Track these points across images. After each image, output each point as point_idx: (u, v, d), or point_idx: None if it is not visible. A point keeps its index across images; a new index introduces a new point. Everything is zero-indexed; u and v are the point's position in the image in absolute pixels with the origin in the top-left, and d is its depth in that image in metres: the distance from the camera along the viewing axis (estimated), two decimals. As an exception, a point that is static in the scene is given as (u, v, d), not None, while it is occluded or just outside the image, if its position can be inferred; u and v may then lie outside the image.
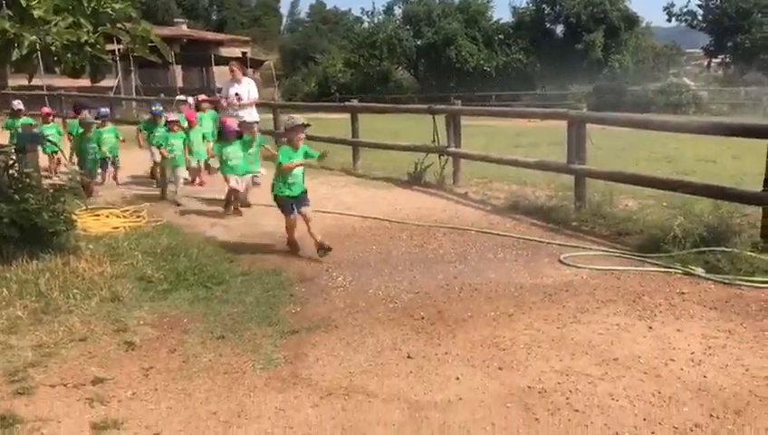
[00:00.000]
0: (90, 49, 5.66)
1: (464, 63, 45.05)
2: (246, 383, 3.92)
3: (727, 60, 48.57)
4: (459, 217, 8.22)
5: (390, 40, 47.23)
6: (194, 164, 10.67)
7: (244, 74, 11.72)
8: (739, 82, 40.49)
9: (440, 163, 10.53)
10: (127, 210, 8.76)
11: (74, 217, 6.88)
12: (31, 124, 11.54)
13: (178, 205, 9.25)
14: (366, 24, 54.08)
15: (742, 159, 11.19)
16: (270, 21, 70.10)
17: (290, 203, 6.54)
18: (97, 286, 5.44)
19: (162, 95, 20.44)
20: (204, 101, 12.60)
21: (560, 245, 6.76)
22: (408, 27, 49.42)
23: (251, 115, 10.70)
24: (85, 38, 5.55)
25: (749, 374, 3.86)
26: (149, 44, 6.05)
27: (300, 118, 7.24)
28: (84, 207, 8.49)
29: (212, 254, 6.67)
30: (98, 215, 8.42)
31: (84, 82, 7.03)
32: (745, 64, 44.62)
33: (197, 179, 10.88)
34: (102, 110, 11.66)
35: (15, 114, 12.53)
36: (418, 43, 48.22)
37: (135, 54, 6.23)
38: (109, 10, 5.70)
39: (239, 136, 8.51)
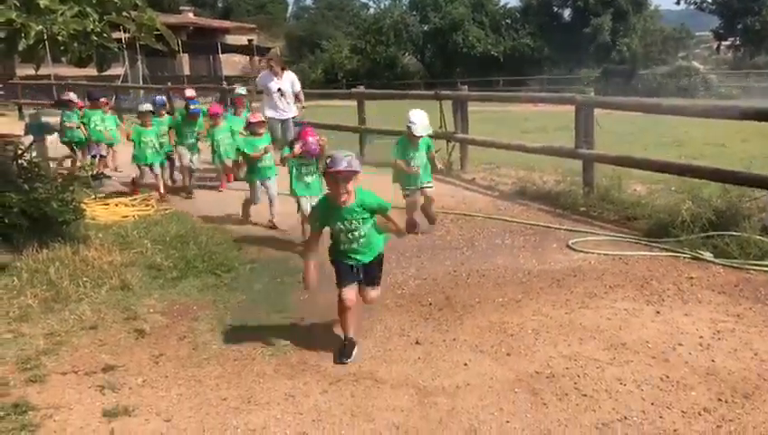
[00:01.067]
0: (96, 38, 5.64)
1: (471, 49, 44.82)
2: (256, 370, 3.95)
3: (737, 43, 48.10)
4: (467, 203, 8.22)
5: (397, 26, 47.02)
6: (220, 164, 9.64)
7: (283, 68, 10.68)
8: (749, 64, 40.14)
9: (447, 149, 10.51)
10: (135, 199, 8.80)
11: (83, 206, 6.91)
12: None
13: (274, 228, 7.31)
14: (372, 10, 53.92)
15: (751, 143, 11.12)
16: (276, 8, 69.82)
17: (351, 271, 4.15)
18: (107, 275, 5.47)
19: (169, 83, 20.41)
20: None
21: (568, 230, 6.75)
22: (414, 13, 49.16)
23: (293, 111, 10.49)
24: (91, 27, 5.53)
25: (758, 358, 3.86)
26: (155, 33, 6.03)
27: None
28: (93, 196, 8.54)
29: (221, 241, 6.69)
30: (107, 204, 8.46)
31: (91, 71, 7.00)
32: (755, 47, 44.19)
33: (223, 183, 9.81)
34: (158, 97, 10.12)
35: (68, 106, 11.15)
36: (425, 28, 47.99)
37: (141, 43, 6.21)
38: (114, -1, 5.70)
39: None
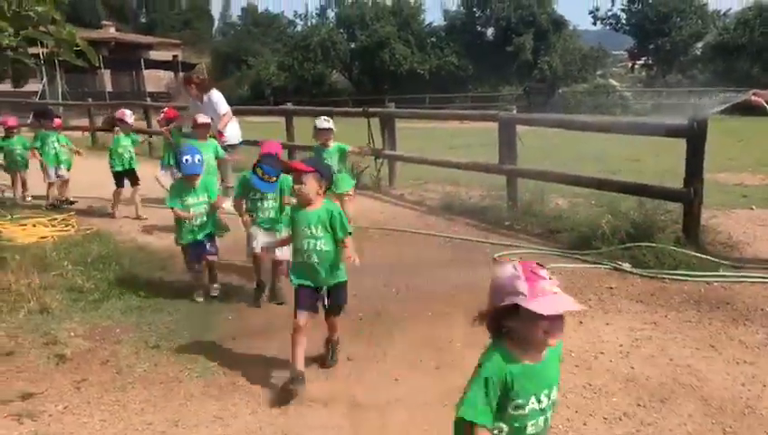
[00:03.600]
0: (11, 53, 5.47)
1: (397, 66, 45.32)
2: (183, 392, 3.86)
3: (650, 62, 50.39)
4: (396, 219, 8.29)
5: (324, 43, 47.12)
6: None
7: (203, 87, 8.63)
8: (661, 83, 42.05)
9: (376, 165, 10.59)
10: (55, 219, 8.49)
11: (-2, 227, 6.64)
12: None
13: None
14: (299, 28, 53.88)
15: (663, 157, 11.62)
16: (201, 24, 68.94)
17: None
18: (24, 298, 5.26)
19: (90, 100, 19.83)
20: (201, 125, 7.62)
21: (493, 244, 6.89)
22: (341, 30, 49.42)
23: (232, 136, 8.69)
24: (6, 42, 5.36)
25: (673, 363, 4.04)
26: (75, 48, 5.87)
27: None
28: (9, 217, 8.19)
29: (144, 262, 6.53)
30: (24, 224, 8.13)
31: (6, 86, 6.73)
32: (666, 66, 46.38)
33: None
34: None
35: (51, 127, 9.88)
36: (352, 46, 48.27)
37: (60, 59, 6.03)
38: (31, 13, 5.51)
39: None
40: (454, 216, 8.26)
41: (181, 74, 44.49)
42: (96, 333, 4.77)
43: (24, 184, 10.23)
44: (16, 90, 7.56)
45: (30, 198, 9.96)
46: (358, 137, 11.47)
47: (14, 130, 10.29)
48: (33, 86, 30.00)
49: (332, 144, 7.18)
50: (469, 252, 6.70)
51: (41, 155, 9.55)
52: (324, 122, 7.19)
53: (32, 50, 6.17)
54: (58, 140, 9.77)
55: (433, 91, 40.75)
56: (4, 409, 3.67)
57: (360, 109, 11.85)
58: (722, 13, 47.73)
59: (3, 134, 10.40)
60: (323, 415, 3.57)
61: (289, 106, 13.53)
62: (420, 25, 48.85)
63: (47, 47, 6.13)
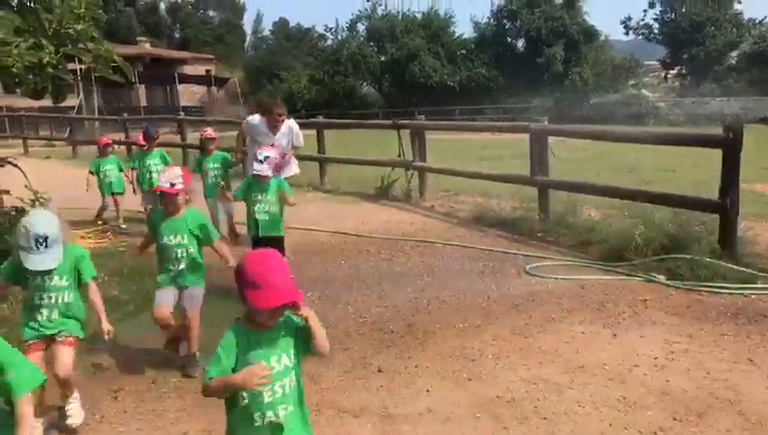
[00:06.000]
0: (51, 70, 5.61)
1: (427, 78, 45.40)
2: (217, 402, 3.89)
3: (683, 71, 49.79)
4: (426, 230, 8.29)
5: (355, 56, 47.44)
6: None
7: (281, 115, 7.23)
8: (695, 92, 41.49)
9: (406, 177, 10.62)
10: (91, 231, 8.65)
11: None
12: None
13: None
14: (330, 42, 54.34)
15: (700, 168, 11.47)
16: (233, 38, 69.81)
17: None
18: (62, 309, 5.36)
19: (126, 114, 20.20)
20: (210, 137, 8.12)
21: (525, 256, 6.86)
22: (371, 44, 49.73)
23: (292, 170, 7.55)
24: (47, 59, 5.51)
25: (710, 377, 3.97)
26: (112, 64, 6.02)
27: None
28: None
29: (179, 273, 6.60)
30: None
31: (46, 102, 6.87)
32: (700, 76, 45.77)
33: None
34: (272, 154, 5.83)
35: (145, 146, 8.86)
36: (382, 59, 48.53)
37: (97, 74, 6.19)
38: (70, 31, 5.67)
39: None
40: (485, 227, 8.24)
41: (214, 88, 45.13)
42: (132, 344, 4.85)
43: (105, 207, 9.20)
44: (55, 105, 7.58)
45: (124, 225, 8.97)
46: (389, 148, 11.53)
47: (109, 149, 9.49)
48: (70, 101, 30.64)
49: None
50: (500, 264, 6.68)
51: (138, 176, 8.59)
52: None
53: (70, 66, 6.32)
54: (164, 160, 8.50)
55: (463, 103, 40.74)
56: (44, 418, 3.74)
57: (390, 121, 11.91)
58: (757, 21, 47.06)
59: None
60: (355, 426, 3.58)
61: (320, 119, 13.65)
62: (450, 38, 48.92)
63: (85, 63, 6.28)
